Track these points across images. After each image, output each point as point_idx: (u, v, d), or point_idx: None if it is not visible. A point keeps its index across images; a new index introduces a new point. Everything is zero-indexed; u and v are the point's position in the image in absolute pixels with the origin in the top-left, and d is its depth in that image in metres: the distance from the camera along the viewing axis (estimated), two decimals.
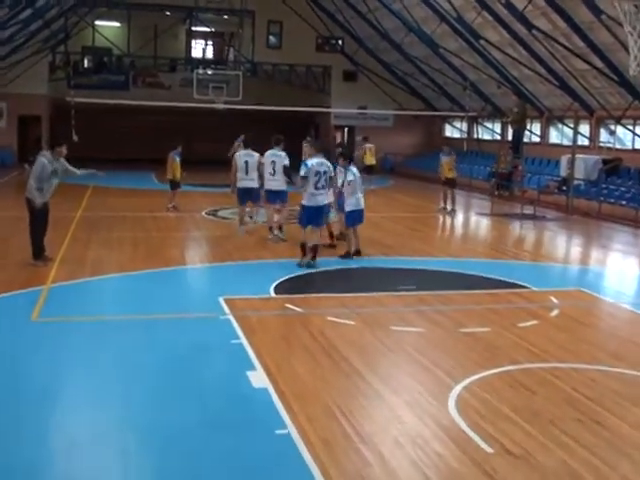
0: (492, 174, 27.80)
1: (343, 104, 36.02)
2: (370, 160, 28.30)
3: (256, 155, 16.08)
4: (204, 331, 9.21)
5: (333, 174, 13.16)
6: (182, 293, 11.45)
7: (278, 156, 15.38)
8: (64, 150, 12.68)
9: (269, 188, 15.52)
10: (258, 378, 7.42)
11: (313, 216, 12.94)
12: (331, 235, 14.93)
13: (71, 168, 12.84)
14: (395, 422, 6.52)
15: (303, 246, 13.06)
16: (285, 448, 5.95)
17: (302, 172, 12.82)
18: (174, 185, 19.93)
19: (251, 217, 17.48)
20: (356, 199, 13.82)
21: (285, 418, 6.46)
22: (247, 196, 16.36)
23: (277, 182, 15.40)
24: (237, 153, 16.75)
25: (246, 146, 16.73)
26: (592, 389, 7.47)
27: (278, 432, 6.21)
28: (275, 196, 15.57)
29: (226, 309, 10.05)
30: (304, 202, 12.94)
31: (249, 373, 7.55)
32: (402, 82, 35.73)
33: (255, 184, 16.08)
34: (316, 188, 12.81)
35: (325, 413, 6.63)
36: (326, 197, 13.05)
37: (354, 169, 14.01)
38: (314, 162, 12.87)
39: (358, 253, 13.96)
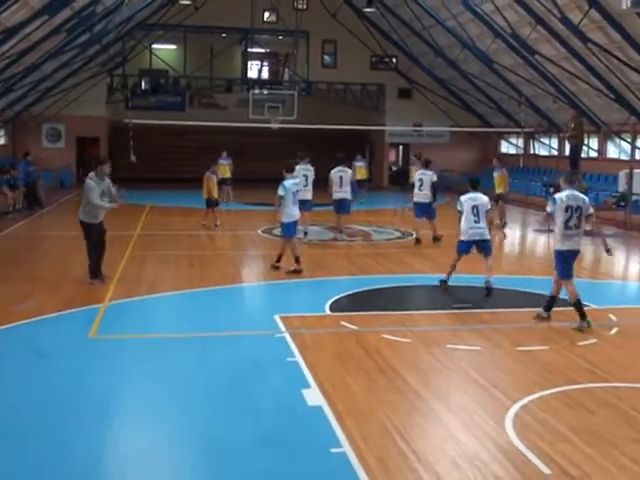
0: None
1: (398, 122, 36.04)
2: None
3: (349, 171, 18.93)
4: (260, 349, 9.25)
5: (592, 210, 10.49)
6: (238, 311, 11.54)
7: (426, 174, 17.94)
8: (106, 168, 12.62)
9: (417, 200, 17.97)
10: (313, 396, 7.42)
11: (571, 264, 10.59)
12: (297, 260, 14.11)
13: (113, 191, 12.80)
14: (452, 442, 6.45)
15: (578, 305, 10.40)
16: (340, 466, 5.93)
17: (549, 208, 10.44)
18: (210, 203, 20.38)
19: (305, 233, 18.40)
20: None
21: (340, 436, 6.44)
22: (339, 206, 18.58)
23: (424, 196, 17.83)
24: (333, 170, 18.55)
25: (340, 163, 18.72)
26: None
27: (333, 450, 6.19)
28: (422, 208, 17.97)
29: (282, 327, 10.09)
30: (558, 247, 10.49)
31: (304, 391, 7.56)
32: (457, 98, 35.61)
33: (349, 195, 18.54)
34: (567, 227, 10.29)
35: (380, 431, 6.60)
36: (580, 239, 10.56)
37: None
38: (564, 195, 10.33)
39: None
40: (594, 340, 9.76)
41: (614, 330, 10.34)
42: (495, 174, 21.78)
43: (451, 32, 29.31)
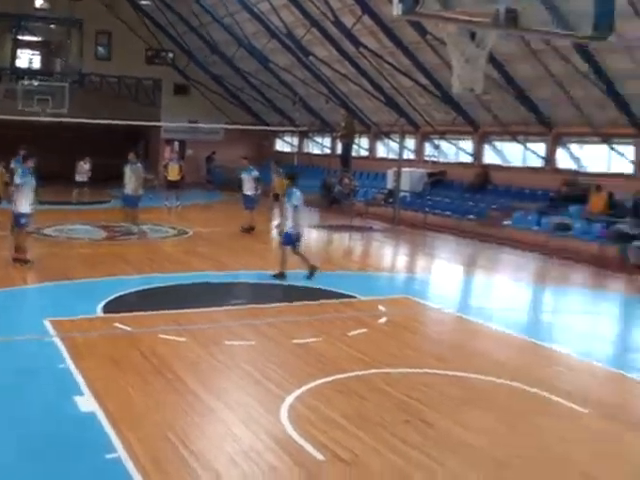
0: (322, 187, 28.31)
1: (174, 118, 35.66)
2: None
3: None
4: (28, 355, 8.80)
5: None
6: (4, 315, 10.84)
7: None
8: None
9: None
10: (86, 402, 7.16)
11: None
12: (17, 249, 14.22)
13: None
14: (230, 439, 6.49)
15: None
16: (115, 472, 5.78)
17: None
18: None
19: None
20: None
21: (115, 441, 6.27)
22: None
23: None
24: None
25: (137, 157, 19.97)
26: (421, 392, 7.75)
27: (108, 456, 6.03)
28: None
29: (51, 331, 9.65)
30: None
31: (77, 398, 7.27)
32: (233, 96, 35.80)
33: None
34: None
35: (157, 434, 6.50)
36: None
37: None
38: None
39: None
40: (364, 330, 10.19)
41: (383, 319, 10.85)
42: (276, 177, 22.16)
43: (227, 30, 29.41)
